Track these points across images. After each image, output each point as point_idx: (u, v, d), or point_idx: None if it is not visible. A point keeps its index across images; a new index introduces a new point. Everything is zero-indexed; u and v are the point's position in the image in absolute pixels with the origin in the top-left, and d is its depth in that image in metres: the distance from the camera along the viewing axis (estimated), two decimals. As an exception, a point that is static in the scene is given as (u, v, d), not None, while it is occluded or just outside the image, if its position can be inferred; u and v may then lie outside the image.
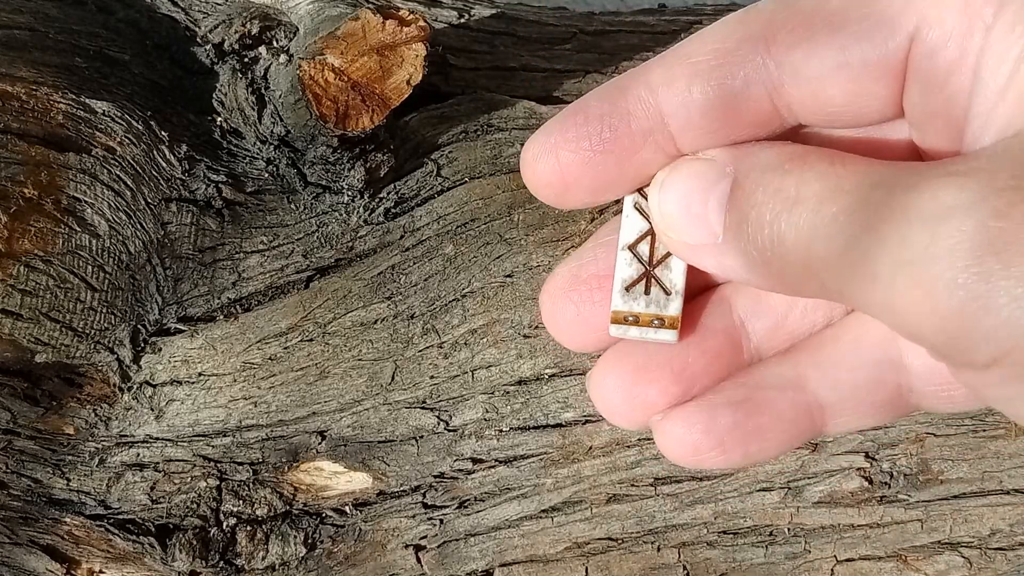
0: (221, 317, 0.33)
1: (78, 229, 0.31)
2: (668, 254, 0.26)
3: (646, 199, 0.26)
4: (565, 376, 0.31)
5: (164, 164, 0.32)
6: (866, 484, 0.30)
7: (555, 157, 0.24)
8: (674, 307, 0.26)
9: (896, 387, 0.27)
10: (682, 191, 0.24)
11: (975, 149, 0.20)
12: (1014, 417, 0.20)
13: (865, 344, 0.26)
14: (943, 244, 0.17)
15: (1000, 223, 0.16)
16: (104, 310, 0.32)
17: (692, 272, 0.26)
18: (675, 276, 0.26)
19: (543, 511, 0.31)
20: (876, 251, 0.18)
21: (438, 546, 0.32)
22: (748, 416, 0.26)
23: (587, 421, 0.31)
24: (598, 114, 0.24)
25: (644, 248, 0.27)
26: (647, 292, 0.26)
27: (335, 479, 0.32)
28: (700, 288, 0.27)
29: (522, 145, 0.33)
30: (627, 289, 0.26)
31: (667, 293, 0.26)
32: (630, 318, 0.26)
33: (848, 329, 0.27)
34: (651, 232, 0.26)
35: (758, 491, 0.30)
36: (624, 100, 0.24)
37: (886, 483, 0.30)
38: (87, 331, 0.31)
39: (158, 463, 0.32)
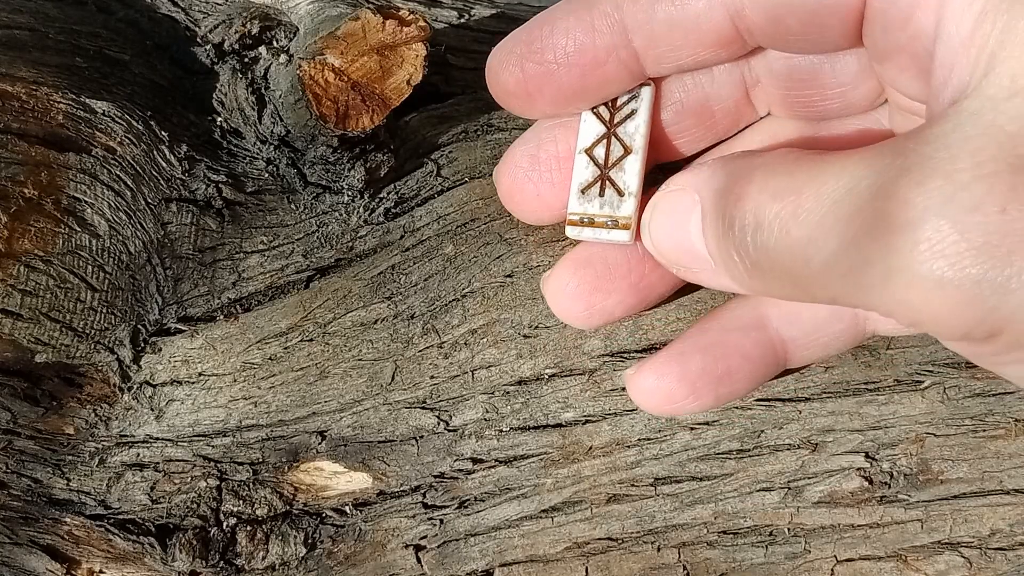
0: (221, 317, 0.33)
1: (78, 229, 0.31)
2: (623, 156, 0.27)
3: (605, 106, 0.26)
4: (565, 376, 0.31)
5: (164, 164, 0.32)
6: (866, 484, 0.30)
7: (520, 68, 0.25)
8: (627, 208, 0.27)
9: (852, 316, 0.27)
10: (666, 228, 0.24)
11: (939, 103, 0.20)
12: (1016, 380, 0.21)
13: None
14: (925, 247, 0.17)
15: (973, 217, 0.17)
16: (104, 310, 0.32)
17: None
18: (629, 178, 0.27)
19: (543, 511, 0.31)
20: (862, 263, 0.19)
21: (438, 546, 0.32)
22: (716, 360, 0.27)
23: (587, 421, 0.31)
24: (564, 27, 0.24)
25: (600, 151, 0.27)
26: (601, 194, 0.27)
27: (335, 479, 0.32)
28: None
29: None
30: (583, 192, 0.27)
31: (620, 195, 0.27)
32: (585, 219, 0.27)
33: None
34: (607, 136, 0.27)
35: (758, 491, 0.30)
36: (590, 14, 0.24)
37: (886, 483, 0.30)
38: (87, 331, 0.31)
39: (158, 463, 0.32)
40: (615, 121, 0.26)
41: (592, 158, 0.27)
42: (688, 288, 0.30)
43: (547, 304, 0.29)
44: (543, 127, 0.28)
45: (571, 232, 0.27)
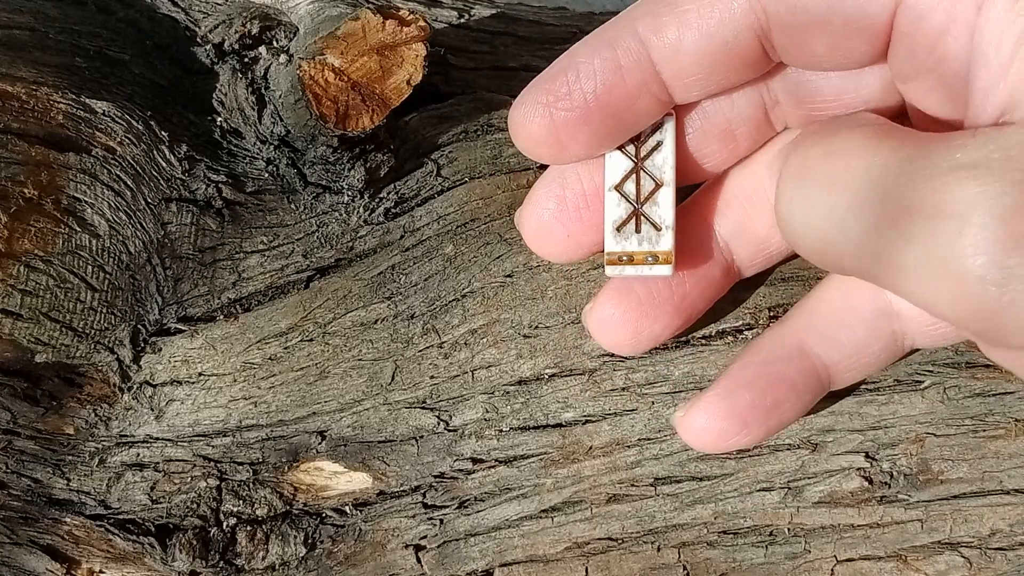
0: (221, 317, 0.33)
1: (78, 229, 0.31)
2: (655, 190, 0.26)
3: (629, 140, 0.26)
4: (565, 376, 0.31)
5: (164, 164, 0.32)
6: (866, 484, 0.30)
7: (548, 117, 0.24)
8: (666, 242, 0.26)
9: (891, 334, 0.27)
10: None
11: (979, 124, 0.20)
12: None
13: (855, 300, 0.27)
14: (970, 240, 0.17)
15: (1021, 216, 0.17)
16: (104, 310, 0.32)
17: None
18: (664, 211, 0.26)
19: (543, 511, 0.31)
20: (901, 245, 0.18)
21: (438, 546, 0.32)
22: (764, 393, 0.27)
23: (587, 421, 0.31)
24: (589, 70, 0.24)
25: (630, 187, 0.27)
26: (638, 230, 0.27)
27: (335, 479, 0.32)
28: (684, 217, 0.27)
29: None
30: (618, 229, 0.27)
31: (657, 229, 0.26)
32: (624, 257, 0.27)
33: (834, 287, 0.28)
34: (636, 171, 0.27)
35: (758, 491, 0.30)
36: (614, 53, 0.24)
37: (886, 483, 0.30)
38: (87, 331, 0.31)
39: (158, 463, 0.32)
40: (642, 155, 0.26)
41: (623, 194, 0.27)
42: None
43: (592, 336, 0.29)
44: (565, 166, 0.27)
45: (611, 271, 0.27)
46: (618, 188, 0.27)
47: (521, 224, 0.28)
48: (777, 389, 0.27)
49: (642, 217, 0.26)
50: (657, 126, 0.26)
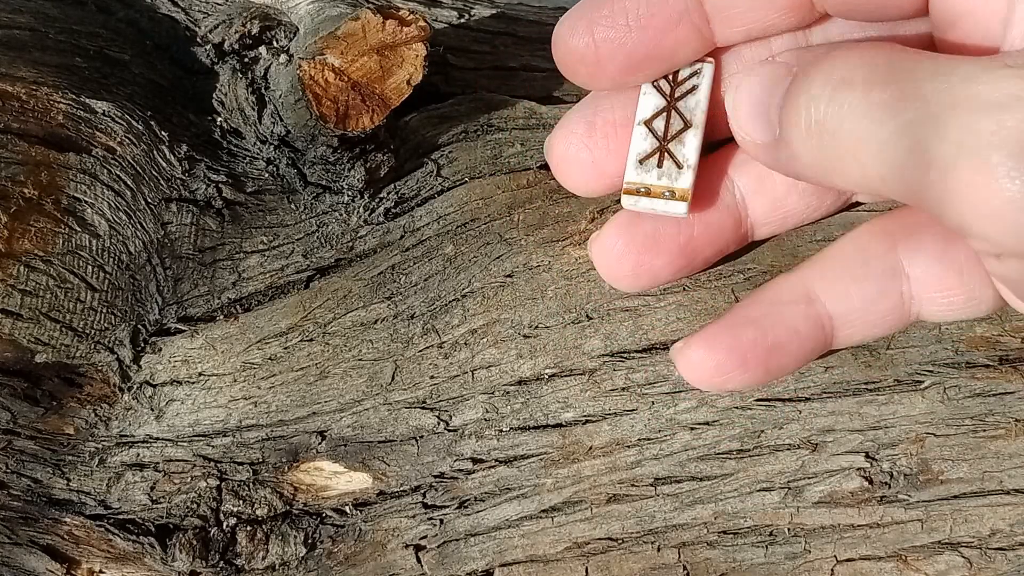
0: (221, 317, 0.33)
1: (78, 229, 0.31)
2: (683, 129, 0.27)
3: (666, 79, 0.26)
4: (565, 376, 0.31)
5: (164, 164, 0.32)
6: (866, 484, 0.30)
7: (590, 33, 0.25)
8: (685, 180, 0.27)
9: (899, 295, 0.27)
10: (752, 91, 0.24)
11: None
12: None
13: (869, 255, 0.27)
14: (1007, 132, 0.17)
15: None
16: (104, 310, 0.32)
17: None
18: (688, 151, 0.27)
19: (543, 511, 0.31)
20: (933, 138, 0.18)
21: (438, 546, 0.32)
22: (766, 332, 0.27)
23: (587, 421, 0.31)
24: None
25: (659, 124, 0.27)
26: (660, 165, 0.27)
27: (335, 479, 0.32)
28: (706, 165, 0.27)
29: (522, 145, 0.33)
30: (641, 162, 0.27)
31: (679, 167, 0.27)
32: (642, 189, 0.27)
33: (849, 241, 0.28)
34: (668, 109, 0.27)
35: (758, 491, 0.30)
36: None
37: (886, 483, 0.30)
38: (87, 331, 0.31)
39: (158, 463, 0.32)
40: (676, 95, 0.27)
41: (651, 130, 0.27)
42: (726, 260, 0.30)
43: (594, 266, 0.29)
44: (600, 95, 0.28)
45: (627, 202, 0.27)
46: (647, 123, 0.27)
47: (549, 148, 0.28)
48: (779, 330, 0.27)
49: (666, 153, 0.27)
50: (695, 71, 0.27)
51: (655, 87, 0.27)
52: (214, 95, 0.34)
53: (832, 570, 0.30)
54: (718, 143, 0.29)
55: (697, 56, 0.26)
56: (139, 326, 0.32)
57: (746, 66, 0.25)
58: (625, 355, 0.31)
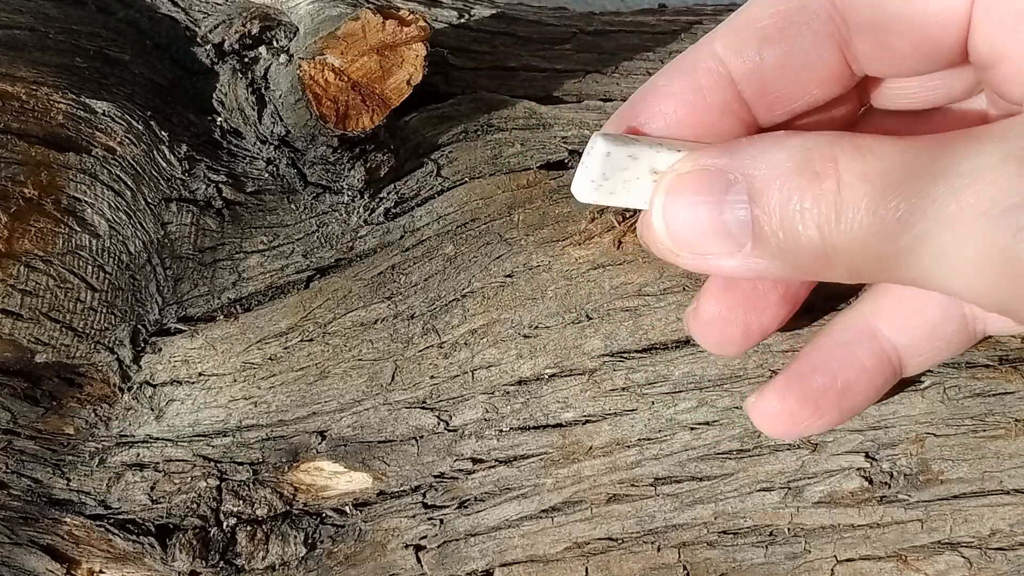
0: (221, 317, 0.33)
1: (78, 229, 0.31)
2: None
3: None
4: (565, 376, 0.31)
5: (164, 164, 0.32)
6: (866, 484, 0.30)
7: None
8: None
9: (962, 317, 0.27)
10: (690, 208, 0.22)
11: None
12: None
13: None
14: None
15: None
16: (104, 310, 0.32)
17: None
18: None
19: (543, 511, 0.31)
20: (929, 229, 0.18)
21: (438, 546, 0.32)
22: (835, 375, 0.26)
23: (587, 421, 0.31)
24: (669, 92, 0.24)
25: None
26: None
27: (335, 479, 0.32)
28: None
29: (522, 145, 0.34)
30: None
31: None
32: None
33: None
34: None
35: (758, 491, 0.30)
36: (695, 74, 0.23)
37: (886, 483, 0.30)
38: (87, 331, 0.31)
39: (158, 463, 0.32)
40: None
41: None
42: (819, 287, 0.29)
43: (698, 339, 0.28)
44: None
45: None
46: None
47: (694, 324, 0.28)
48: (848, 371, 0.27)
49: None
50: None
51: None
52: (214, 95, 0.34)
53: (832, 570, 0.30)
54: None
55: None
56: (139, 326, 0.32)
57: (661, 176, 0.23)
58: (625, 355, 0.31)
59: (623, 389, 0.31)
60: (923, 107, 0.26)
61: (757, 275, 0.23)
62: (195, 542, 0.32)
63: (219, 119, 0.34)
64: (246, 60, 0.34)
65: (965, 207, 0.18)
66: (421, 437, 0.32)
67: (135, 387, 0.32)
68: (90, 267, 0.31)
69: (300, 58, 0.30)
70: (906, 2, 0.22)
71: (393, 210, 0.33)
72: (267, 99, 0.32)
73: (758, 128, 0.25)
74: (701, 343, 0.28)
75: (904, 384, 0.30)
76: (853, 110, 0.26)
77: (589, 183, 0.24)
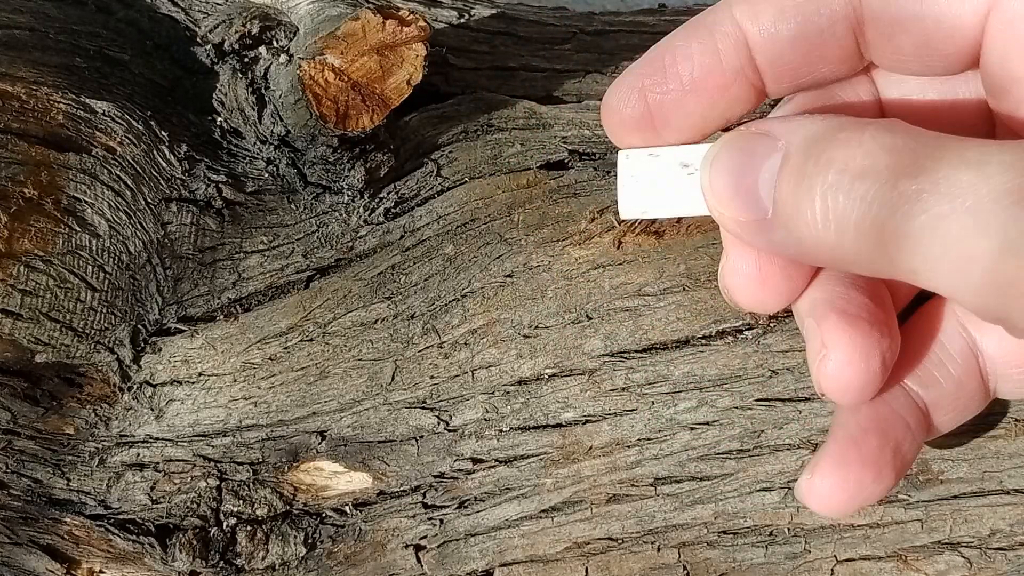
0: (221, 317, 0.33)
1: (78, 229, 0.31)
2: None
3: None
4: (565, 376, 0.31)
5: (164, 164, 0.32)
6: (866, 484, 0.30)
7: (643, 100, 0.24)
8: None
9: (979, 375, 0.26)
10: (733, 166, 0.22)
11: None
12: None
13: (944, 336, 0.26)
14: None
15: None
16: (104, 310, 0.32)
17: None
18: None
19: (543, 511, 0.31)
20: (974, 233, 0.17)
21: (438, 546, 0.32)
22: (886, 435, 0.25)
23: (587, 421, 0.31)
24: (686, 53, 0.24)
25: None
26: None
27: (335, 479, 0.32)
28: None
29: (522, 145, 0.33)
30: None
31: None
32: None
33: (916, 326, 0.26)
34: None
35: (758, 491, 0.30)
36: (712, 37, 0.23)
37: (886, 483, 0.30)
38: (87, 331, 0.31)
39: (158, 463, 0.32)
40: None
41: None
42: None
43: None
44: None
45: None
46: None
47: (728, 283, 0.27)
48: (896, 429, 0.25)
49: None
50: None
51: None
52: (214, 95, 0.34)
53: (832, 570, 0.30)
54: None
55: (749, 109, 0.25)
56: (139, 326, 0.32)
57: (726, 136, 0.23)
58: (625, 355, 0.31)
59: (623, 389, 0.31)
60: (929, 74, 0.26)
61: (770, 248, 0.23)
62: (195, 542, 0.32)
63: (219, 119, 0.34)
64: (246, 60, 0.34)
65: (992, 194, 0.17)
66: (421, 437, 0.32)
67: (135, 387, 0.32)
68: (90, 267, 0.31)
69: (300, 58, 0.30)
70: (920, 2, 0.22)
71: (393, 210, 0.33)
72: (267, 99, 0.32)
73: (765, 96, 0.25)
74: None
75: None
76: (864, 93, 0.26)
77: (624, 195, 0.25)
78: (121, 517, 0.32)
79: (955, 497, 0.30)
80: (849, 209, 0.19)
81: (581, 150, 0.34)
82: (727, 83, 0.24)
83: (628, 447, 0.31)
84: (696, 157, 0.24)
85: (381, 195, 0.33)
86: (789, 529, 0.30)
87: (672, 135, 0.25)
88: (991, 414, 0.30)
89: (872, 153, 0.19)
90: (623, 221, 0.31)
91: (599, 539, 0.31)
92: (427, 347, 0.32)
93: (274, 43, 0.34)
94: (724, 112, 0.25)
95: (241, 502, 0.32)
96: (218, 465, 0.32)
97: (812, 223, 0.20)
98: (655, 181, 0.24)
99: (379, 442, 0.32)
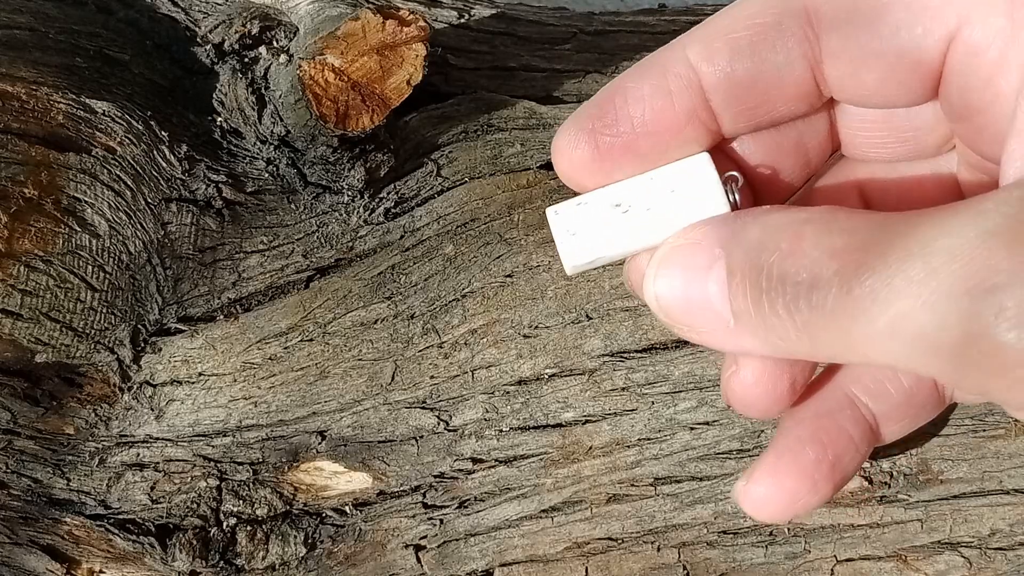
0: (221, 317, 0.33)
1: (78, 229, 0.31)
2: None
3: None
4: (565, 376, 0.31)
5: (164, 164, 0.32)
6: (866, 484, 0.30)
7: (593, 143, 0.24)
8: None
9: (932, 385, 0.26)
10: (676, 282, 0.22)
11: (1011, 174, 0.19)
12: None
13: None
14: (1012, 314, 0.16)
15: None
16: (104, 310, 0.32)
17: None
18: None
19: (543, 511, 0.31)
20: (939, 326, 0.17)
21: (438, 546, 0.32)
22: (825, 448, 0.25)
23: (587, 421, 0.31)
24: (638, 95, 0.23)
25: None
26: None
27: (335, 479, 0.32)
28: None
29: (522, 145, 0.33)
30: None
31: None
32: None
33: None
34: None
35: (758, 491, 0.30)
36: (664, 79, 0.23)
37: (886, 483, 0.30)
38: (87, 331, 0.31)
39: (158, 463, 0.32)
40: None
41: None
42: None
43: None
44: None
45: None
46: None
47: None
48: (837, 443, 0.25)
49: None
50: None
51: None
52: (214, 95, 0.34)
53: (832, 570, 0.30)
54: None
55: (703, 149, 0.24)
56: (139, 326, 0.32)
57: (661, 249, 0.23)
58: (625, 355, 0.31)
59: (623, 389, 0.31)
60: (893, 159, 0.26)
61: (746, 352, 0.22)
62: (195, 542, 0.32)
63: (219, 119, 0.34)
64: (246, 60, 0.34)
65: (944, 286, 0.17)
66: (421, 437, 0.32)
67: (135, 387, 0.32)
68: (90, 267, 0.31)
69: (300, 58, 0.30)
70: (879, 37, 0.21)
71: (393, 210, 0.33)
72: (267, 99, 0.32)
73: (720, 136, 0.24)
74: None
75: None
76: (822, 130, 0.26)
77: (565, 252, 0.24)
78: (121, 517, 0.32)
79: (955, 497, 0.30)
80: (815, 318, 0.19)
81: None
82: (680, 125, 0.23)
83: (628, 447, 0.31)
84: (624, 192, 0.23)
85: (381, 195, 0.33)
86: (789, 529, 0.30)
87: (625, 177, 0.24)
88: (991, 414, 0.30)
89: (819, 262, 0.19)
90: None
91: (599, 539, 0.31)
92: (427, 347, 0.32)
93: (274, 43, 0.34)
94: (677, 154, 0.24)
95: (241, 502, 0.32)
96: (218, 465, 0.32)
97: (785, 336, 0.20)
98: (591, 229, 0.24)
99: (379, 442, 0.32)
